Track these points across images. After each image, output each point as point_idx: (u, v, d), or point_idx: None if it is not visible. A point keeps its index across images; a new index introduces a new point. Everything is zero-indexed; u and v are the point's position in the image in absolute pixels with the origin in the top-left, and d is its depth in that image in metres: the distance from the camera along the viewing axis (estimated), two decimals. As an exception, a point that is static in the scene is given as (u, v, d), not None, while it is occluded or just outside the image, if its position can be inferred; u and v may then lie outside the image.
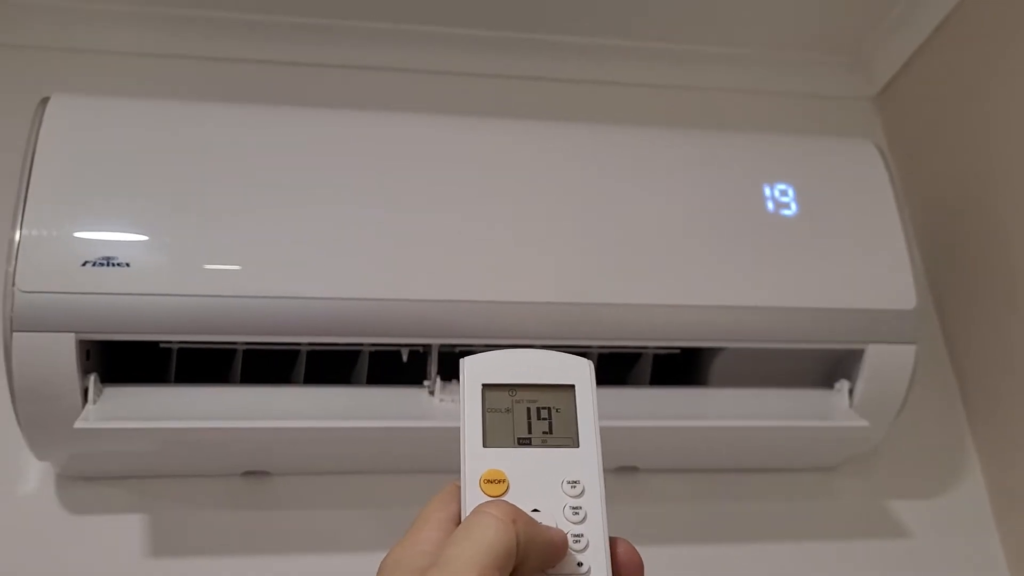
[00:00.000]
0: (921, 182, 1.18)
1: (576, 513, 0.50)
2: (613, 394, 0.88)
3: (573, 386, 0.54)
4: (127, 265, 0.75)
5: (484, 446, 0.51)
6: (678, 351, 0.91)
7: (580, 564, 0.49)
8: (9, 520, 0.87)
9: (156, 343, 0.79)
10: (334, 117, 0.88)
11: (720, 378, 0.92)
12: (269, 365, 0.85)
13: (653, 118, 1.19)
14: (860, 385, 0.89)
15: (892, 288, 0.89)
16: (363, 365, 0.86)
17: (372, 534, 0.90)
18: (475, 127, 0.90)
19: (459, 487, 0.51)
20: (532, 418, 0.53)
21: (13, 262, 0.73)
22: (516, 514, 0.47)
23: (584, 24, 1.17)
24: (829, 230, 0.89)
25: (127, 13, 1.10)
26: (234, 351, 0.84)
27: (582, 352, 0.88)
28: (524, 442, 0.52)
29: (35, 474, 0.89)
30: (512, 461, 0.51)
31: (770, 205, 0.89)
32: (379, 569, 0.48)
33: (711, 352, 0.92)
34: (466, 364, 0.54)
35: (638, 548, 0.51)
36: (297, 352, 0.85)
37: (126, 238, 0.76)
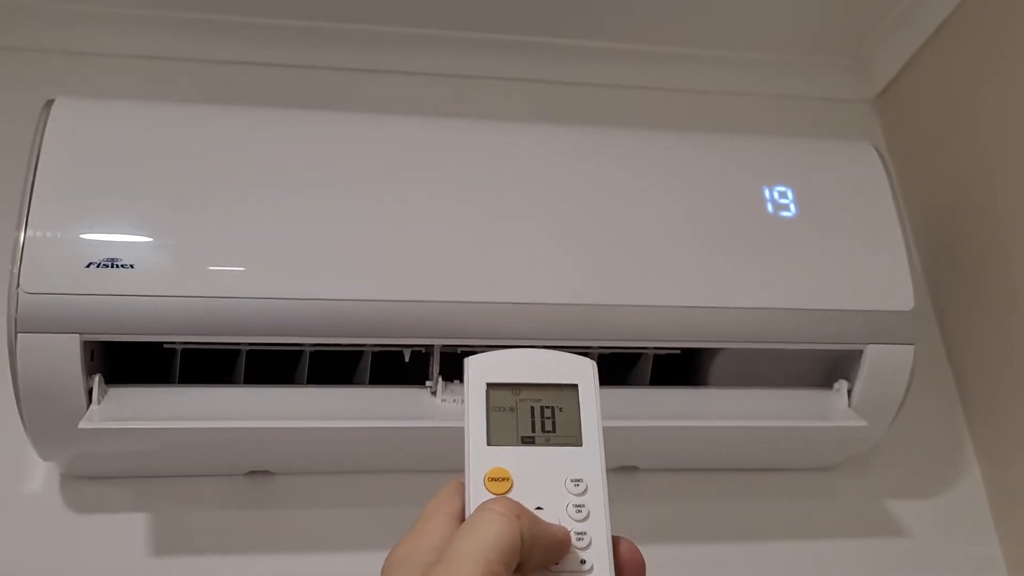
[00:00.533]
0: (920, 184, 1.18)
1: (579, 511, 0.50)
2: (613, 394, 0.88)
3: (576, 385, 0.55)
4: (131, 266, 0.75)
5: (488, 444, 0.52)
6: (678, 351, 0.92)
7: (583, 562, 0.49)
8: (14, 519, 0.87)
9: (160, 344, 0.80)
10: (337, 119, 0.89)
11: (720, 378, 0.93)
12: (272, 366, 0.86)
13: (653, 120, 1.19)
14: (859, 385, 0.90)
15: (891, 289, 0.89)
16: (366, 365, 0.86)
17: (375, 533, 0.90)
18: (477, 129, 0.90)
19: (462, 483, 0.51)
20: (536, 417, 0.53)
21: (17, 263, 0.73)
22: (520, 511, 0.47)
23: (584, 27, 1.18)
24: (828, 232, 0.90)
25: (131, 16, 1.10)
26: (237, 352, 0.84)
27: (583, 353, 0.89)
28: (528, 441, 0.52)
29: (40, 474, 0.89)
30: (516, 459, 0.51)
31: (769, 207, 0.90)
32: (385, 564, 0.48)
33: (711, 352, 0.93)
34: (471, 363, 0.55)
35: (638, 547, 0.52)
36: (300, 353, 0.85)
37: (130, 239, 0.76)
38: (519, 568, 0.46)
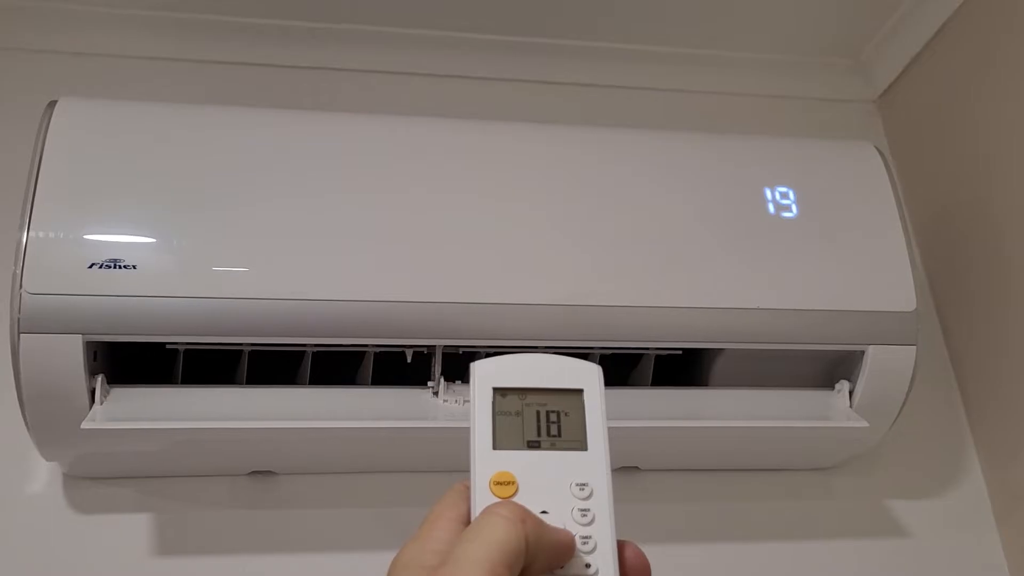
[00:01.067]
0: (922, 184, 1.18)
1: (584, 515, 0.50)
2: (615, 395, 0.86)
3: (582, 390, 0.55)
4: (134, 267, 0.75)
5: (494, 448, 0.52)
6: (680, 352, 0.92)
7: (588, 566, 0.49)
8: (17, 520, 0.88)
9: (163, 344, 0.80)
10: (341, 120, 0.89)
11: (721, 379, 0.93)
12: (275, 366, 0.86)
13: (655, 121, 1.19)
14: (860, 386, 0.90)
15: (893, 290, 0.89)
16: (368, 366, 0.86)
17: (377, 533, 0.91)
18: (480, 130, 0.90)
19: (467, 487, 0.51)
20: (541, 421, 0.53)
21: (20, 264, 0.73)
22: (525, 515, 0.47)
23: (587, 28, 1.18)
24: (830, 232, 0.90)
25: (135, 17, 1.10)
26: (240, 352, 0.84)
27: (584, 353, 0.89)
28: (533, 445, 0.53)
29: (42, 474, 0.89)
30: (521, 463, 0.52)
31: (771, 207, 0.90)
32: (390, 568, 0.48)
33: (712, 353, 0.92)
34: (476, 368, 0.55)
35: (643, 551, 0.52)
36: (302, 353, 0.86)
37: (133, 240, 0.76)
38: (524, 572, 0.46)
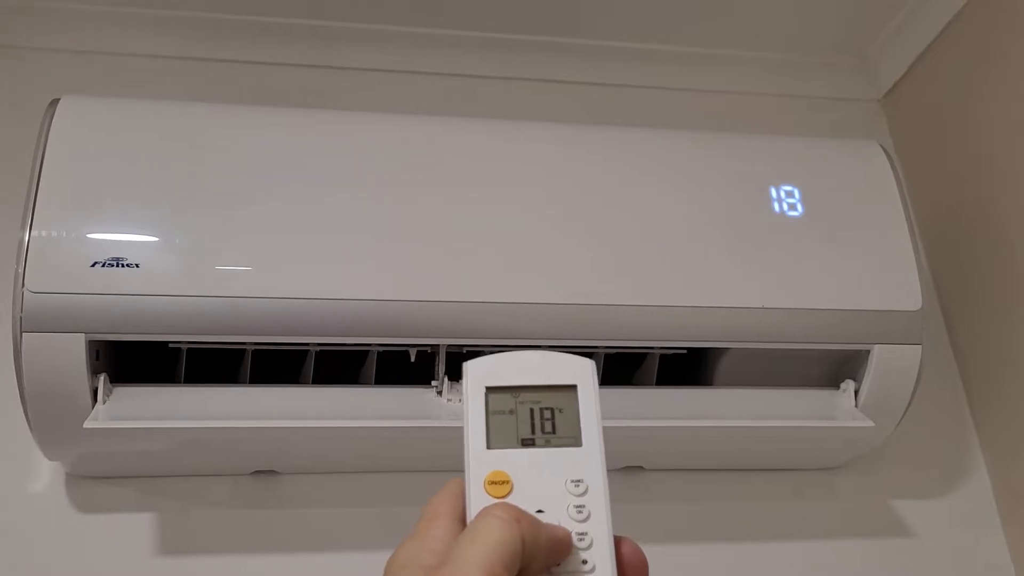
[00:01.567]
0: (927, 184, 1.18)
1: (580, 512, 0.50)
2: (619, 394, 0.88)
3: (575, 386, 0.54)
4: (136, 266, 0.75)
5: (488, 448, 0.52)
6: (684, 351, 0.92)
7: (585, 562, 0.49)
8: (19, 519, 0.87)
9: (165, 343, 0.80)
10: (344, 119, 0.89)
11: (726, 378, 0.93)
12: (278, 365, 0.86)
13: (660, 120, 1.19)
14: (866, 386, 0.89)
15: (898, 289, 0.89)
16: (371, 365, 0.86)
17: (380, 533, 0.90)
18: (483, 129, 0.90)
19: (462, 483, 0.51)
20: (535, 419, 0.53)
21: (23, 263, 0.73)
22: (520, 515, 0.47)
23: (591, 27, 1.18)
24: (835, 231, 0.89)
25: (137, 16, 1.10)
26: (243, 351, 0.84)
27: (588, 352, 0.89)
28: (528, 443, 0.52)
29: (45, 474, 0.89)
30: (516, 462, 0.51)
31: (776, 206, 0.89)
32: (387, 566, 0.48)
33: (717, 352, 0.92)
34: (468, 367, 0.55)
35: (643, 547, 0.52)
36: (306, 352, 0.85)
37: (135, 239, 0.76)
38: (521, 572, 0.46)
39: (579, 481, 0.51)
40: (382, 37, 1.16)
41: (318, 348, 0.85)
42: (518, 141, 0.89)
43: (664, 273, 0.85)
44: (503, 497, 0.50)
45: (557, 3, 1.14)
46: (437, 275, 0.80)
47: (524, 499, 0.50)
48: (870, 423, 0.88)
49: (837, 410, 0.91)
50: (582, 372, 0.55)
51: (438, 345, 0.84)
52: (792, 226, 0.89)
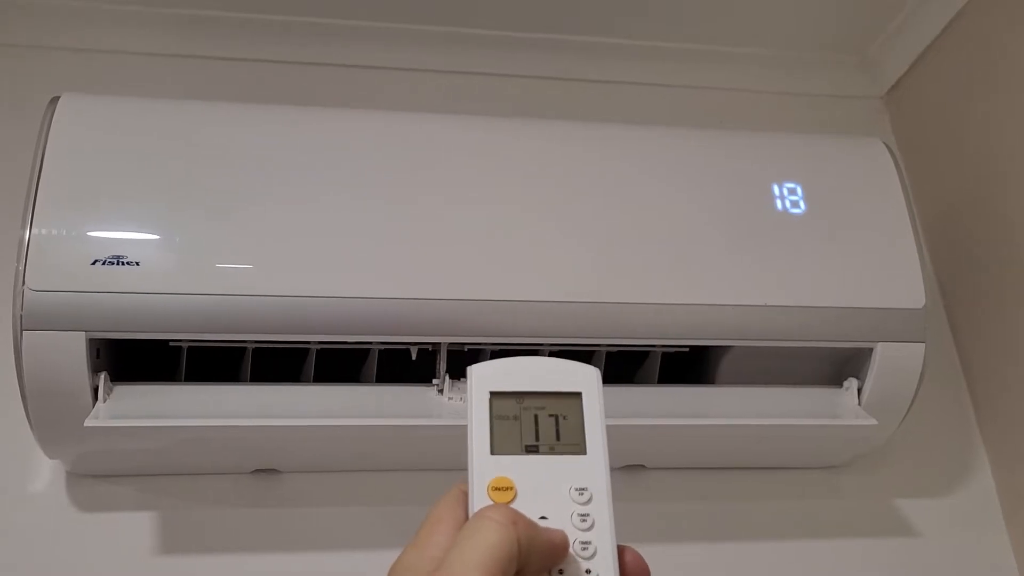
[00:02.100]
0: (929, 181, 1.18)
1: (584, 520, 0.50)
2: (621, 392, 0.88)
3: (580, 393, 0.54)
4: (137, 264, 0.75)
5: (492, 453, 0.52)
6: (686, 349, 0.91)
7: (588, 571, 0.49)
8: (20, 518, 0.87)
9: (166, 342, 0.80)
10: (345, 116, 0.88)
11: (728, 376, 0.92)
12: (278, 364, 0.85)
13: (662, 117, 1.19)
14: (869, 384, 0.89)
15: (901, 287, 0.88)
16: (372, 363, 0.86)
17: (381, 532, 0.90)
18: (484, 126, 0.90)
19: (465, 490, 0.51)
20: (540, 425, 0.53)
21: (23, 261, 0.73)
22: (516, 516, 0.47)
23: (593, 24, 1.17)
24: (838, 229, 0.89)
25: (136, 13, 1.10)
26: (244, 350, 0.84)
27: (590, 350, 0.89)
28: (532, 449, 0.52)
29: (45, 472, 0.89)
30: (520, 468, 0.51)
31: (779, 204, 0.89)
32: (390, 572, 0.48)
33: (719, 350, 0.92)
34: (473, 372, 0.54)
35: (644, 547, 0.51)
36: (307, 350, 0.85)
37: (136, 237, 0.76)
38: (518, 574, 0.46)
39: (583, 489, 0.51)
40: (381, 34, 1.16)
41: (319, 346, 0.85)
42: (519, 139, 0.89)
43: (666, 271, 0.85)
44: (507, 504, 0.50)
45: (556, 1, 1.13)
46: (438, 273, 0.80)
47: (528, 506, 0.49)
48: (873, 421, 0.88)
49: (840, 408, 0.90)
50: (587, 380, 0.54)
51: (439, 343, 0.84)
52: (794, 223, 0.89)
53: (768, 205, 0.89)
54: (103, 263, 0.74)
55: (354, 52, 1.16)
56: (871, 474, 1.04)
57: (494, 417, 0.53)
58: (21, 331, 0.73)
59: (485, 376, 0.54)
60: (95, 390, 0.76)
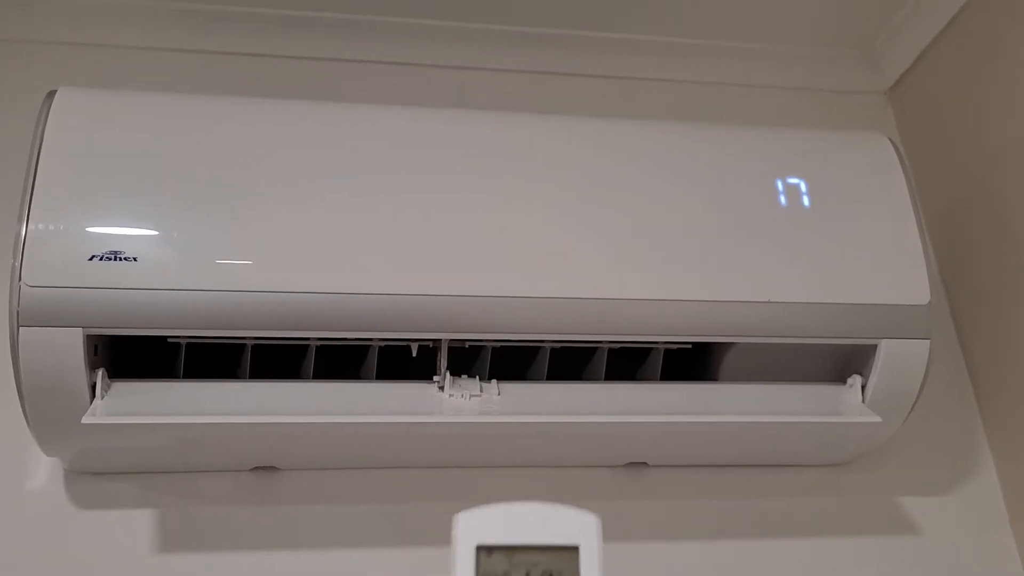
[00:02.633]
0: (933, 176, 1.17)
1: None
2: (623, 389, 0.87)
3: (577, 547, 0.51)
4: (135, 259, 0.74)
5: None
6: (689, 346, 0.91)
7: None
8: (17, 516, 0.87)
9: (164, 338, 0.79)
10: (345, 112, 0.88)
11: (731, 373, 0.92)
12: (278, 360, 0.85)
13: (665, 113, 1.18)
14: (873, 381, 0.89)
15: (906, 283, 0.88)
16: (372, 360, 0.85)
17: (381, 529, 0.90)
18: (487, 122, 0.89)
19: None
20: None
21: (20, 256, 0.73)
22: None
23: (597, 19, 1.17)
24: (842, 224, 0.89)
25: (135, 8, 1.10)
26: (243, 346, 0.83)
27: (592, 347, 0.89)
28: None
29: (43, 470, 0.89)
30: None
31: (783, 199, 0.88)
32: None
33: (722, 347, 0.91)
34: (460, 521, 0.51)
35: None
36: (306, 347, 0.85)
37: (134, 232, 0.76)
38: None
39: None
40: (384, 29, 1.15)
41: (319, 343, 0.84)
42: (521, 134, 0.88)
43: (669, 267, 0.84)
44: None
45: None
46: (440, 269, 0.80)
47: None
48: (877, 419, 0.88)
49: (844, 406, 0.90)
50: (585, 530, 0.51)
51: (440, 340, 0.83)
52: (798, 219, 0.88)
53: (772, 200, 0.88)
54: (101, 259, 0.74)
55: (355, 47, 1.15)
56: (874, 472, 1.04)
57: (481, 575, 0.49)
58: (18, 327, 0.72)
59: (472, 527, 0.51)
60: (93, 387, 0.76)
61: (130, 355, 0.81)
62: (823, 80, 1.25)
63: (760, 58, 1.23)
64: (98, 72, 1.08)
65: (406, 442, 0.89)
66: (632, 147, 0.89)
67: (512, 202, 0.84)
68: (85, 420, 0.74)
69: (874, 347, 0.88)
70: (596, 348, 0.89)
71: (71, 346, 0.73)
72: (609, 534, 0.94)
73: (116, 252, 0.74)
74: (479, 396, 0.83)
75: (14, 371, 0.74)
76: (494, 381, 0.84)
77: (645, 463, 0.98)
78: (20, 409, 0.76)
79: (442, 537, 0.90)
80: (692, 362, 0.93)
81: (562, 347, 0.89)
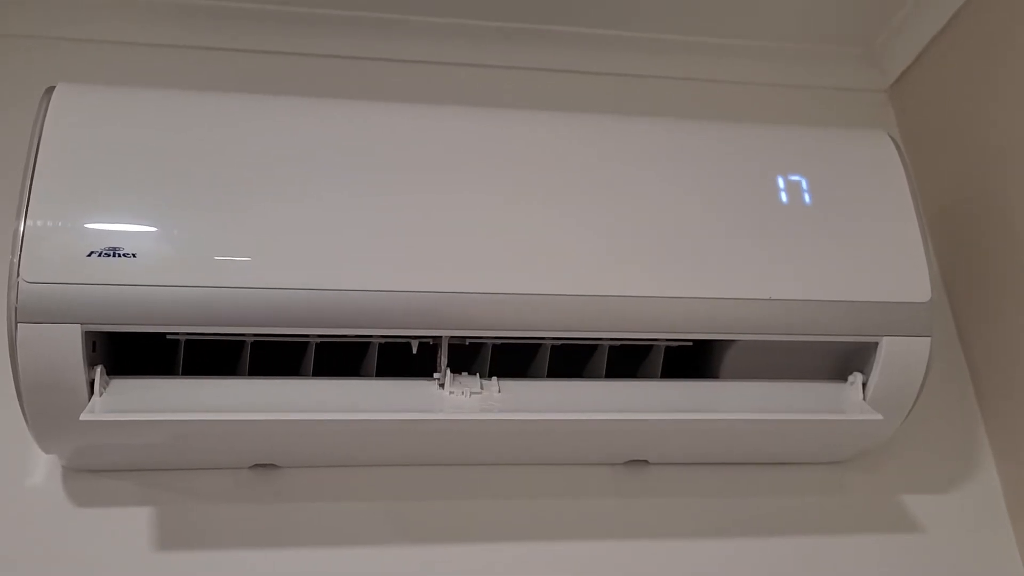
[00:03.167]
0: (934, 174, 1.17)
1: None
2: (624, 387, 0.87)
3: None
4: (133, 256, 0.74)
5: None
6: (690, 343, 0.91)
7: None
8: (15, 513, 0.87)
9: (163, 335, 0.79)
10: (344, 108, 0.88)
11: (732, 371, 0.92)
12: (277, 357, 0.85)
13: (666, 110, 1.18)
14: (874, 378, 0.89)
15: (907, 280, 0.88)
16: (372, 357, 0.85)
17: (381, 527, 0.90)
18: (487, 118, 0.89)
19: None
20: None
21: (18, 253, 0.72)
22: None
23: (599, 17, 1.17)
24: (843, 221, 0.89)
25: (133, 3, 1.09)
26: (242, 343, 0.83)
27: (593, 344, 0.88)
28: None
29: (41, 467, 0.89)
30: None
31: (784, 196, 0.88)
32: None
33: (723, 345, 0.91)
34: None
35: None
36: (306, 344, 0.84)
37: (132, 228, 0.75)
38: None
39: None
40: (383, 26, 1.15)
41: (318, 340, 0.84)
42: (521, 131, 0.88)
43: (669, 264, 0.84)
44: None
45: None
46: (440, 266, 0.79)
47: None
48: (878, 416, 0.87)
49: (845, 403, 0.90)
50: None
51: (440, 337, 0.83)
52: (799, 216, 0.88)
53: (773, 198, 0.88)
54: (99, 255, 0.74)
55: (356, 44, 1.15)
56: (875, 470, 1.03)
57: None
58: (16, 323, 0.72)
59: None
60: (91, 384, 0.76)
61: (129, 352, 0.81)
62: (824, 78, 1.25)
63: (761, 56, 1.23)
64: (97, 68, 1.08)
65: (406, 439, 0.89)
66: (633, 144, 0.89)
67: (512, 199, 0.83)
68: (83, 417, 0.74)
69: (875, 345, 0.88)
70: (597, 345, 0.89)
71: (70, 342, 0.73)
72: (609, 532, 0.94)
73: (115, 248, 0.74)
74: (479, 393, 0.82)
75: (12, 368, 0.74)
76: (494, 378, 0.84)
77: (646, 461, 0.98)
78: (18, 406, 0.76)
79: (442, 534, 0.91)
80: (693, 359, 0.93)
81: (563, 344, 0.89)
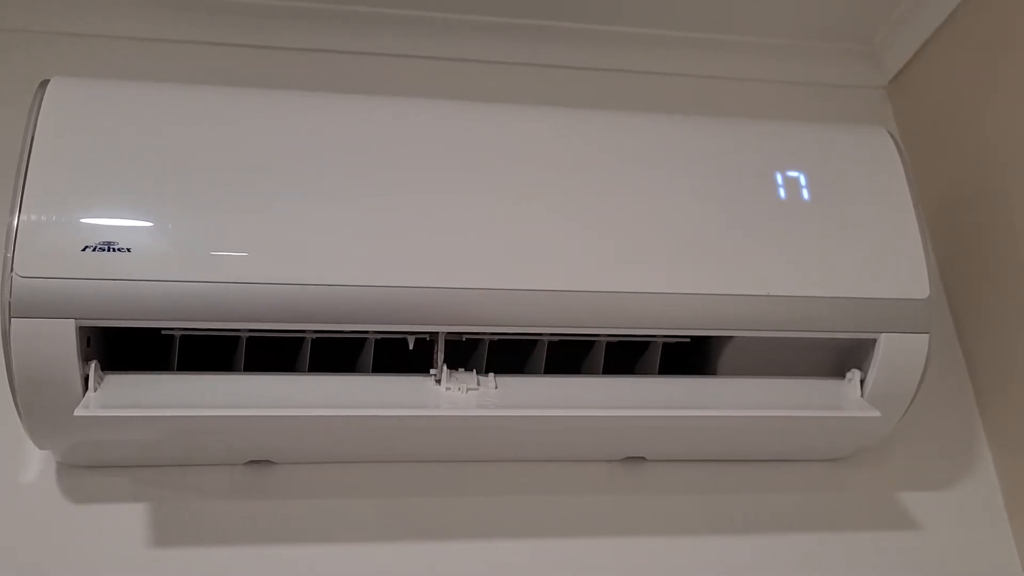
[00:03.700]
0: (933, 170, 1.17)
1: None
2: (621, 383, 0.87)
3: None
4: (128, 250, 0.74)
5: None
6: (688, 340, 0.90)
7: None
8: (9, 509, 0.86)
9: (158, 330, 0.79)
10: (341, 103, 0.87)
11: (730, 367, 0.91)
12: (273, 353, 0.84)
13: (664, 106, 1.18)
14: (872, 375, 0.88)
15: (905, 277, 0.88)
16: (368, 353, 0.85)
17: (376, 523, 0.89)
18: (484, 114, 0.89)
19: None
20: None
21: (12, 247, 0.72)
22: None
23: (596, 12, 1.17)
24: (842, 218, 0.88)
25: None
26: (238, 338, 0.83)
27: (590, 340, 0.88)
28: None
29: (35, 463, 0.88)
30: None
31: (782, 192, 0.88)
32: None
33: (721, 341, 0.91)
34: None
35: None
36: (302, 340, 0.84)
37: (127, 223, 0.75)
38: None
39: None
40: (381, 20, 1.15)
41: (314, 335, 0.84)
42: (520, 126, 0.88)
43: (667, 260, 0.84)
44: None
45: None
46: (437, 261, 0.79)
47: None
48: (876, 413, 0.87)
49: (843, 400, 0.90)
50: None
51: (437, 332, 0.83)
52: (798, 212, 0.88)
53: (771, 194, 0.88)
54: (94, 249, 0.73)
55: (352, 38, 1.15)
56: (873, 467, 1.03)
57: None
58: (10, 318, 0.72)
59: None
60: (85, 379, 0.75)
61: (123, 347, 0.80)
62: (823, 74, 1.25)
63: (760, 51, 1.23)
64: (92, 62, 1.07)
65: (402, 436, 0.89)
66: (630, 140, 0.89)
67: (509, 194, 0.83)
68: (78, 412, 0.73)
69: (873, 341, 0.88)
70: (594, 342, 0.89)
71: (64, 338, 0.73)
72: (606, 529, 0.94)
73: (109, 243, 0.74)
74: (476, 389, 0.82)
75: (6, 363, 0.73)
76: (491, 374, 0.84)
77: (643, 458, 0.98)
78: (12, 401, 0.75)
79: (438, 531, 0.91)
80: (690, 356, 0.93)
81: (560, 341, 0.88)
